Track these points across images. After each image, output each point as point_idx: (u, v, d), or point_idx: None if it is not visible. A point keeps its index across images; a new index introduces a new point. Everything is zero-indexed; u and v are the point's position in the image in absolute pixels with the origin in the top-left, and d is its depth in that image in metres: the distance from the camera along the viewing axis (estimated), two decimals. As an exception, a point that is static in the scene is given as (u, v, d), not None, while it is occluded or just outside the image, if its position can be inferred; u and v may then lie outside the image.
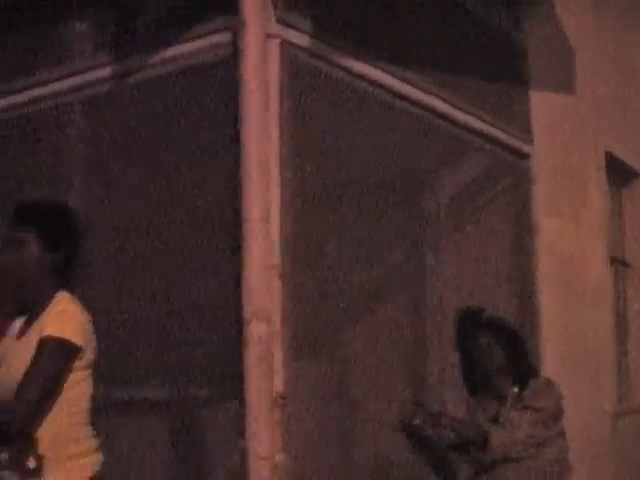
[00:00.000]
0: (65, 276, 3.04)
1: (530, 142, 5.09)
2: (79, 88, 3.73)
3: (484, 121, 4.62)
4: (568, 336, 5.21)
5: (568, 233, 5.49)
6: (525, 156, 5.05)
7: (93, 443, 2.99)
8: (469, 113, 4.47)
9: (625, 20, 6.69)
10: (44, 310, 2.97)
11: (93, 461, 2.96)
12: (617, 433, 6.00)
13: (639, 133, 6.76)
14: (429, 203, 4.50)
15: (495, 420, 3.87)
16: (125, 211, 3.57)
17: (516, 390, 3.92)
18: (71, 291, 2.95)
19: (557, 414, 3.92)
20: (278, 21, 3.16)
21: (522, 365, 4.03)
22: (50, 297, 2.99)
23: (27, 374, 2.84)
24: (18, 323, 3.15)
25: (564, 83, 5.41)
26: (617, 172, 6.60)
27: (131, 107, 3.57)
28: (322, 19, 3.41)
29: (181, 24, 3.37)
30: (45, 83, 3.83)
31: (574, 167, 5.72)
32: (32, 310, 3.03)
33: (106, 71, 3.62)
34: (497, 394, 3.97)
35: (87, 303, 2.91)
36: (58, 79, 3.79)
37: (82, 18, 3.75)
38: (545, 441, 3.82)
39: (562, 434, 3.97)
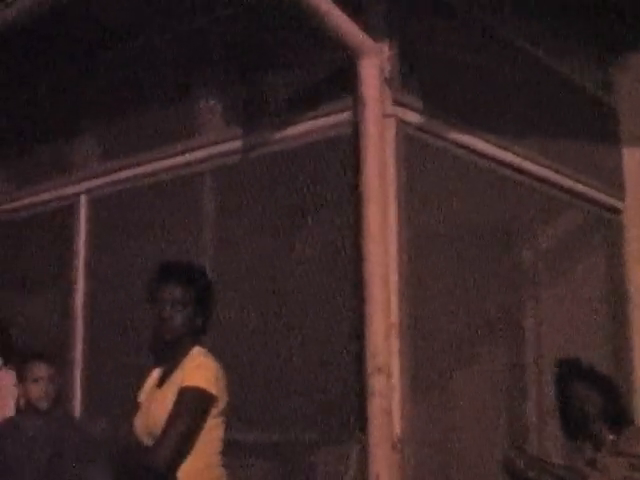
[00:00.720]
0: (202, 334, 3.48)
1: (622, 198, 5.39)
2: (210, 158, 4.19)
3: (577, 180, 4.94)
4: None
5: None
6: (617, 211, 5.34)
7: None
8: (563, 174, 4.80)
9: None
10: (181, 362, 3.39)
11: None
12: None
13: None
14: (528, 256, 4.81)
15: (592, 465, 4.15)
16: (251, 273, 3.99)
17: (612, 437, 4.21)
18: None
19: (648, 459, 4.19)
20: (393, 102, 3.55)
21: (618, 412, 4.31)
22: (187, 351, 3.41)
23: (169, 420, 3.24)
24: (156, 373, 3.59)
25: None
26: None
27: (258, 178, 4.00)
28: (430, 98, 3.79)
29: (306, 103, 3.79)
30: (180, 153, 4.31)
31: None
32: (171, 362, 3.45)
33: (235, 144, 4.07)
34: (594, 440, 4.26)
35: (217, 354, 3.33)
36: (192, 150, 4.26)
37: (214, 94, 4.22)
38: (637, 484, 4.10)
39: (655, 480, 4.23)
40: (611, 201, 5.30)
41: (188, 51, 4.32)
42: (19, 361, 4.81)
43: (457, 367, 4.09)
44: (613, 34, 5.23)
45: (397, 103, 3.56)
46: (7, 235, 5.34)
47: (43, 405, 4.47)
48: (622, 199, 5.39)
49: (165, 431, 3.22)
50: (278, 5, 3.34)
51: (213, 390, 3.27)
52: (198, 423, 3.27)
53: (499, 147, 4.24)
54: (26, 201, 5.18)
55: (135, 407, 3.55)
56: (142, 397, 3.57)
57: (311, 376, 3.72)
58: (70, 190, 4.90)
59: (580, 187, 4.98)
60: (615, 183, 5.37)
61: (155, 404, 3.39)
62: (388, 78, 3.52)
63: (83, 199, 4.82)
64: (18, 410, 4.77)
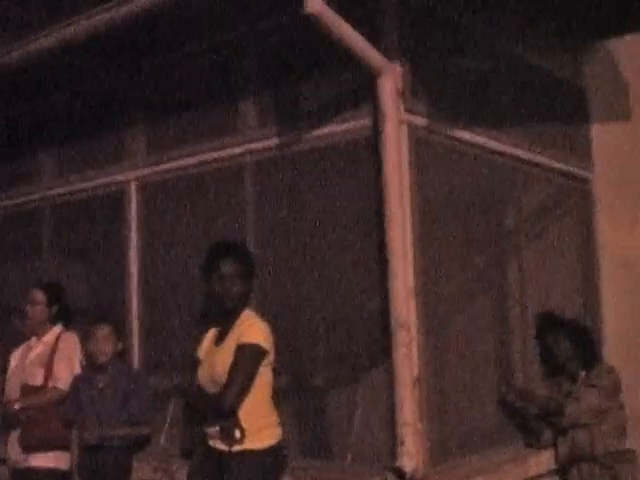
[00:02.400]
0: (248, 299, 4.44)
1: (591, 169, 6.37)
2: (249, 153, 5.11)
3: (552, 157, 5.91)
4: (630, 327, 6.44)
5: (626, 240, 6.71)
6: (587, 181, 6.33)
7: (276, 419, 4.38)
8: (540, 153, 5.78)
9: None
10: (235, 324, 4.36)
11: (276, 432, 4.36)
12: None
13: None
14: (512, 223, 5.78)
15: (568, 395, 5.22)
16: (287, 249, 4.96)
17: (584, 373, 5.28)
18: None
19: (616, 391, 5.26)
20: (405, 110, 4.48)
21: (589, 353, 5.38)
22: (239, 315, 4.38)
23: (232, 371, 4.22)
24: (211, 333, 4.56)
25: (620, 112, 6.61)
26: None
27: (289, 171, 4.93)
28: (433, 104, 4.73)
29: (332, 110, 4.71)
30: (224, 147, 5.25)
31: (632, 182, 6.92)
32: (225, 325, 4.43)
33: (272, 141, 5.00)
34: (570, 376, 5.34)
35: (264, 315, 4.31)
36: (233, 146, 5.18)
37: (254, 99, 5.13)
38: (607, 411, 5.16)
39: (621, 407, 5.30)
40: (581, 173, 6.29)
41: (233, 59, 5.20)
42: (83, 323, 5.78)
43: (459, 319, 5.09)
44: (582, 24, 6.14)
45: (408, 111, 4.49)
46: (67, 215, 6.26)
47: (103, 360, 5.44)
48: (591, 171, 6.38)
49: (229, 380, 4.20)
50: (312, 28, 4.21)
51: (265, 345, 4.25)
52: (254, 372, 4.25)
53: (488, 137, 5.20)
54: (84, 185, 6.10)
55: (195, 361, 4.54)
56: (201, 354, 4.55)
57: (345, 331, 4.71)
58: (122, 177, 5.83)
59: (554, 163, 5.96)
60: (585, 157, 6.35)
61: (217, 359, 4.35)
62: (401, 91, 4.45)
63: (133, 185, 5.76)
64: (85, 367, 5.74)
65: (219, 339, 4.44)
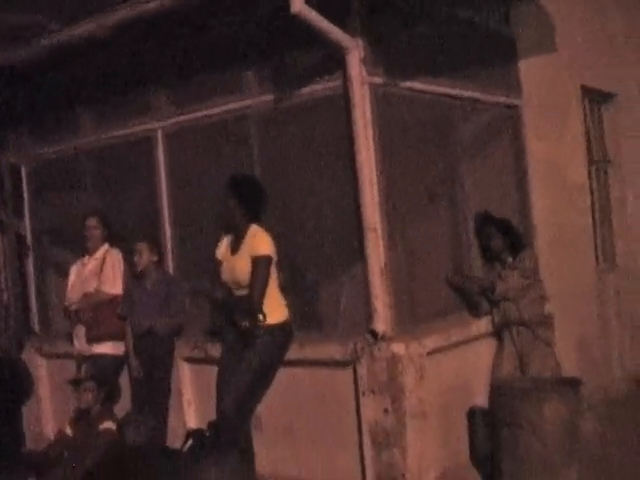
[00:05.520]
0: (255, 217, 6.33)
1: (520, 97, 8.13)
2: (251, 107, 6.92)
3: (487, 92, 7.71)
4: (554, 221, 8.22)
5: (553, 150, 8.37)
6: (517, 107, 8.14)
7: (282, 302, 6.34)
8: (476, 90, 7.54)
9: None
10: (244, 237, 6.30)
11: (285, 311, 6.32)
12: (599, 288, 8.99)
13: (608, 67, 9.60)
14: (459, 147, 7.58)
15: (499, 277, 7.11)
16: (284, 178, 6.83)
17: (511, 258, 7.19)
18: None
19: (535, 270, 7.14)
20: (367, 73, 6.26)
21: (515, 243, 7.25)
22: (247, 229, 6.29)
23: (254, 280, 6.18)
24: (225, 241, 6.47)
25: (545, 46, 8.20)
26: (595, 97, 9.59)
27: (282, 120, 6.75)
28: (389, 65, 6.49)
29: (313, 73, 6.49)
30: (228, 102, 7.04)
31: (557, 102, 8.61)
32: (236, 236, 6.37)
33: (268, 97, 6.81)
34: (501, 262, 7.23)
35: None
36: (238, 100, 6.99)
37: (256, 65, 6.88)
38: (529, 286, 7.05)
39: (540, 281, 7.17)
40: (513, 101, 8.09)
41: (239, 36, 6.88)
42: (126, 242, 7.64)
43: (417, 222, 6.94)
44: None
45: (370, 74, 6.27)
46: (105, 158, 8.11)
47: (142, 268, 7.31)
48: (520, 97, 8.15)
49: (253, 286, 6.16)
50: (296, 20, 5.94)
51: (271, 253, 6.21)
52: (268, 276, 6.22)
53: (434, 85, 6.97)
54: (120, 133, 7.90)
55: (216, 262, 6.50)
56: (219, 255, 6.50)
57: (329, 236, 6.57)
58: (149, 126, 7.65)
59: (490, 97, 7.74)
60: (515, 88, 8.11)
61: (236, 265, 6.30)
62: (363, 59, 6.24)
63: (159, 133, 7.58)
64: (129, 275, 7.61)
65: (234, 249, 6.41)
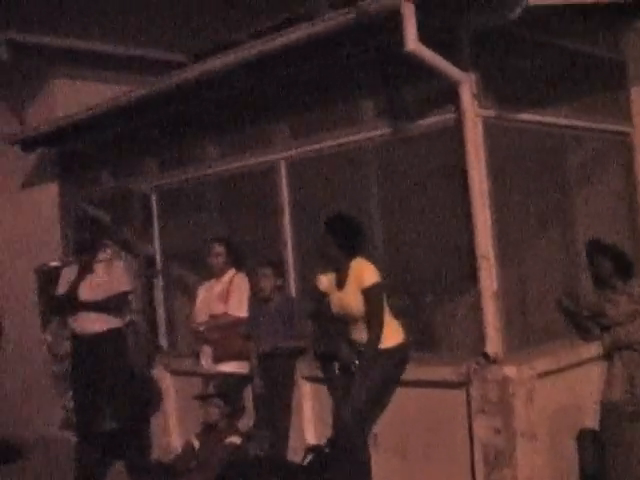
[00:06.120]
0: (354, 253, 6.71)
1: (630, 123, 8.30)
2: (368, 139, 7.31)
3: (597, 120, 7.94)
4: None
5: None
6: (627, 134, 8.33)
7: (397, 326, 6.70)
8: (586, 119, 7.77)
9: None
10: (348, 272, 6.71)
11: (401, 334, 6.68)
12: None
13: None
14: (567, 174, 7.86)
15: (609, 301, 7.32)
16: (398, 218, 7.20)
17: (621, 284, 7.39)
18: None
19: (645, 298, 7.34)
20: (479, 106, 6.59)
21: (626, 269, 7.46)
22: (349, 264, 6.68)
23: (370, 313, 6.59)
24: (330, 277, 6.90)
25: None
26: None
27: (398, 154, 7.12)
28: (500, 98, 6.80)
29: (427, 106, 6.85)
30: (347, 134, 7.45)
31: None
32: (340, 272, 6.78)
33: (384, 129, 7.19)
34: (611, 287, 7.44)
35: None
36: (356, 132, 7.40)
37: (370, 95, 7.28)
38: (638, 311, 7.24)
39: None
40: (623, 129, 8.27)
41: (355, 71, 7.33)
42: (250, 266, 8.11)
43: (529, 249, 7.23)
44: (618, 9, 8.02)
45: (481, 107, 6.61)
46: (230, 186, 8.63)
47: (267, 292, 7.76)
48: (631, 126, 8.34)
49: (372, 319, 6.58)
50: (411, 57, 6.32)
51: (378, 278, 6.59)
52: (382, 303, 6.59)
53: (543, 115, 7.24)
54: (245, 163, 8.42)
55: (318, 292, 6.97)
56: (322, 287, 6.95)
57: (444, 262, 6.92)
58: (273, 157, 8.13)
59: (600, 125, 7.95)
60: (626, 115, 8.29)
61: (345, 300, 6.72)
62: (475, 93, 6.57)
63: (282, 164, 8.04)
64: (254, 298, 8.06)
65: (339, 284, 6.82)
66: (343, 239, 6.71)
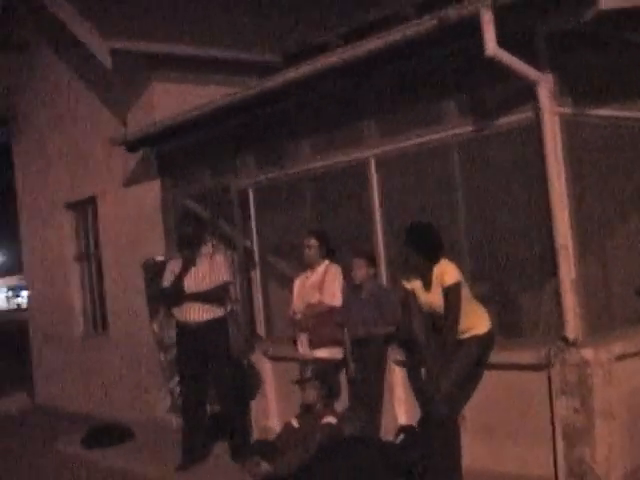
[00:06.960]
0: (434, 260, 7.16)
1: None
2: (452, 136, 7.77)
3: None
4: None
5: None
6: None
7: (483, 313, 7.16)
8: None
9: None
10: (432, 274, 7.18)
11: (487, 321, 7.12)
12: None
13: None
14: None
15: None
16: (482, 211, 7.65)
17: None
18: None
19: None
20: (557, 105, 7.00)
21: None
22: (433, 267, 7.14)
23: (449, 310, 7.03)
24: (416, 281, 7.35)
25: None
26: None
27: (481, 151, 7.55)
28: (576, 95, 7.19)
29: (508, 104, 7.28)
30: (432, 132, 7.93)
31: None
32: (425, 276, 7.25)
33: (467, 127, 7.63)
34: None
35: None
36: (441, 130, 7.87)
37: (454, 95, 7.75)
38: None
39: None
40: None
41: (439, 73, 7.81)
42: (343, 258, 8.62)
43: (608, 238, 7.60)
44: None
45: (558, 104, 7.02)
46: (323, 182, 9.21)
47: (360, 281, 8.25)
48: None
49: (450, 316, 7.03)
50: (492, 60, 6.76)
51: (458, 277, 7.05)
52: (460, 300, 7.05)
53: (619, 110, 7.61)
54: (336, 159, 8.98)
55: (410, 294, 7.39)
56: (409, 285, 7.39)
57: (527, 253, 7.34)
58: (363, 154, 8.65)
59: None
60: None
61: (432, 300, 7.19)
62: (552, 92, 6.97)
63: (372, 160, 8.56)
64: (348, 286, 8.56)
65: (425, 285, 7.30)
66: (424, 249, 7.17)
